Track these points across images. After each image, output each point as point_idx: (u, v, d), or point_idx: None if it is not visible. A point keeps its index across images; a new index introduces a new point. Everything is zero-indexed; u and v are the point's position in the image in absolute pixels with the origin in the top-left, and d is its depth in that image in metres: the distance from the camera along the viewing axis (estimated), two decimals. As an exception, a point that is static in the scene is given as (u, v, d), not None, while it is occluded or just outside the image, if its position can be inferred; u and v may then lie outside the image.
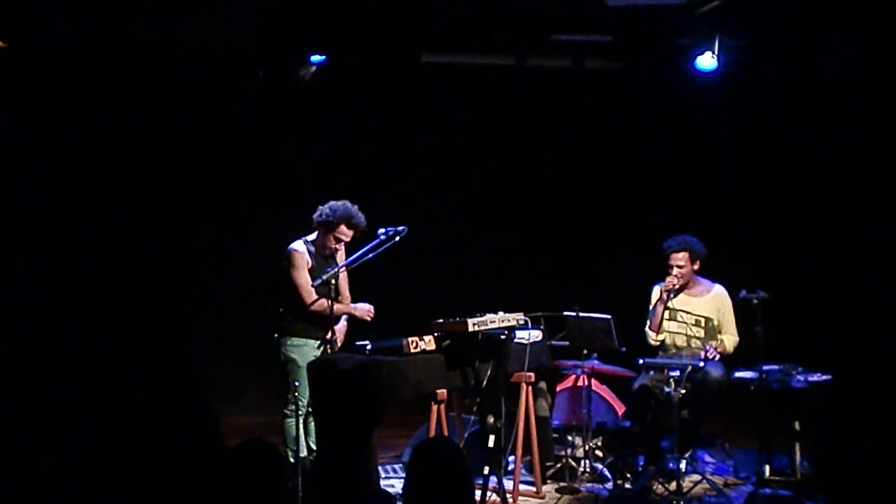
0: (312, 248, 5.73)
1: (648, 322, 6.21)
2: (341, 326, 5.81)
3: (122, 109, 6.63)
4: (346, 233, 5.65)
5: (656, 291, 6.25)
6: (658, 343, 6.18)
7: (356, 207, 5.67)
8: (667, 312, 6.13)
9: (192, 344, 7.71)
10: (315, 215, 5.69)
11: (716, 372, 5.82)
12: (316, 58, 6.86)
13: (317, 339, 5.65)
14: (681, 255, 5.99)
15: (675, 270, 6.00)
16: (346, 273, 5.81)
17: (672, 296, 6.04)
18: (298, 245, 5.72)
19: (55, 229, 6.18)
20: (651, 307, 6.24)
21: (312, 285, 5.53)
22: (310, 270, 5.67)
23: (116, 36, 6.26)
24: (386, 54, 7.30)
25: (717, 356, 5.95)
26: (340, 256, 5.75)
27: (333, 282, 5.53)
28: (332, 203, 5.67)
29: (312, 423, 5.63)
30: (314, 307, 5.58)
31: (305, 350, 5.63)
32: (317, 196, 5.84)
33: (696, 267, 6.07)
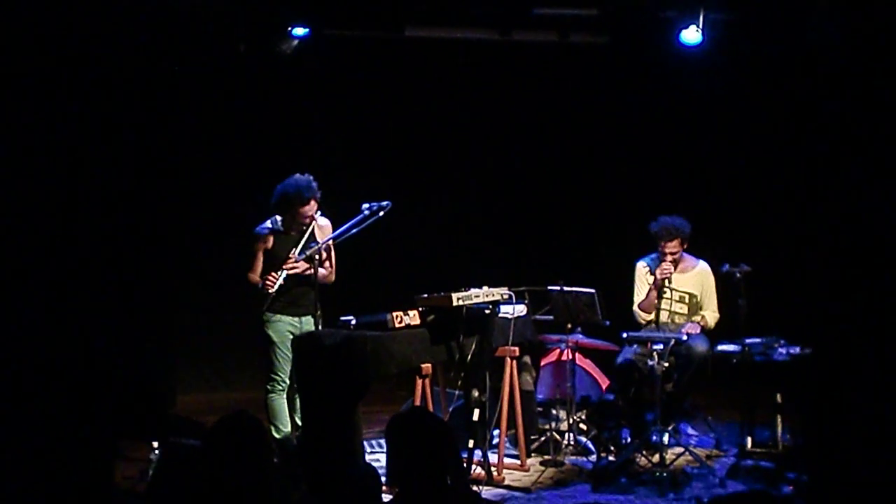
0: (280, 228, 5.72)
1: (637, 302, 6.23)
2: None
3: (97, 85, 6.54)
4: (305, 212, 5.62)
5: (640, 268, 6.27)
6: (647, 321, 6.21)
7: (306, 178, 5.62)
8: (652, 288, 6.17)
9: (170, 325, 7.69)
10: (273, 198, 5.67)
11: (701, 346, 5.86)
12: (298, 31, 6.79)
13: (293, 316, 5.66)
14: (674, 243, 6.01)
15: (669, 258, 6.02)
16: (333, 248, 5.79)
17: (669, 282, 6.06)
18: (261, 227, 5.75)
19: (28, 210, 6.10)
20: (638, 283, 6.26)
21: (297, 259, 5.54)
22: (273, 250, 5.68)
23: (92, 6, 6.15)
24: (369, 28, 7.24)
25: (698, 330, 6.02)
26: (327, 231, 5.73)
27: (317, 257, 5.52)
28: (281, 186, 5.63)
29: (297, 399, 5.64)
30: (249, 280, 5.71)
31: (280, 326, 5.65)
32: (300, 171, 5.80)
33: (684, 247, 6.10)
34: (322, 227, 5.75)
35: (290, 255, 5.60)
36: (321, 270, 5.67)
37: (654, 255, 6.21)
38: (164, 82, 7.11)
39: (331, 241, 5.68)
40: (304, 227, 5.69)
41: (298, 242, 5.66)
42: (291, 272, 5.61)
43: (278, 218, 5.73)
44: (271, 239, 5.71)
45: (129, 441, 5.44)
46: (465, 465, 4.90)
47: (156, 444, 4.83)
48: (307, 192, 5.58)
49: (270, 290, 5.59)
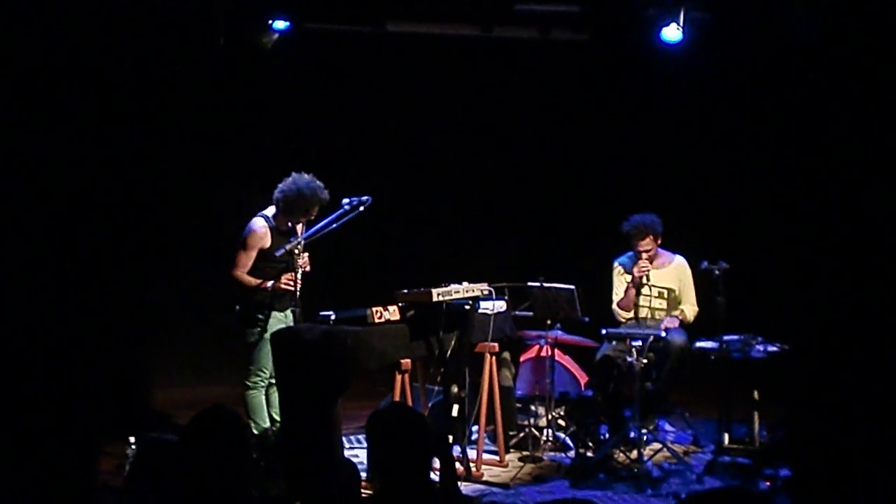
0: (273, 224, 5.64)
1: (616, 301, 6.25)
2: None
3: (76, 75, 6.47)
4: (312, 213, 5.56)
5: (616, 267, 6.30)
6: (627, 319, 6.24)
7: (317, 182, 5.54)
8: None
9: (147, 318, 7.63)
10: (277, 194, 5.54)
11: (677, 339, 5.89)
12: (279, 25, 6.75)
13: (281, 311, 5.61)
14: (646, 240, 6.04)
15: (645, 255, 6.05)
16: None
17: (647, 279, 6.09)
18: (258, 225, 5.60)
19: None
20: (616, 283, 6.28)
21: (276, 255, 5.48)
22: (270, 248, 5.59)
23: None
24: (350, 22, 7.21)
25: (676, 324, 6.04)
26: (301, 226, 5.70)
27: (297, 251, 5.49)
28: (295, 183, 5.48)
29: (275, 394, 5.61)
30: (236, 278, 5.56)
31: (272, 322, 5.59)
32: (279, 166, 5.77)
33: (658, 243, 6.13)
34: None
35: (297, 252, 5.45)
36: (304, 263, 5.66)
37: (629, 254, 6.24)
38: (142, 75, 7.04)
39: (309, 238, 5.65)
40: (295, 224, 5.63)
41: (288, 239, 5.57)
42: (304, 268, 5.51)
43: (269, 213, 5.67)
44: (267, 235, 5.62)
45: (105, 436, 5.40)
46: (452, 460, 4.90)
47: (132, 439, 4.79)
48: (322, 192, 5.50)
49: (297, 291, 5.43)
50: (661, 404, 5.98)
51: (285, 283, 5.47)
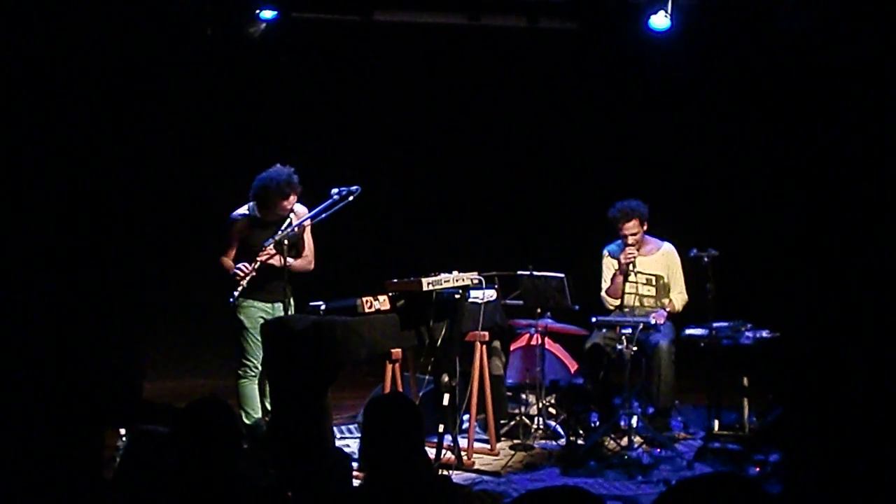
0: (256, 214, 5.66)
1: (605, 288, 6.26)
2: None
3: (61, 67, 6.43)
4: (284, 206, 5.59)
5: (605, 255, 6.30)
6: (615, 307, 6.25)
7: (288, 171, 5.57)
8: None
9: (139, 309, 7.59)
10: (252, 188, 5.62)
11: (662, 341, 5.88)
12: (266, 14, 6.71)
13: (265, 302, 5.62)
14: (631, 223, 6.04)
15: (631, 240, 6.05)
16: (309, 232, 5.76)
17: (633, 266, 6.09)
18: (236, 214, 5.70)
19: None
20: (605, 271, 6.29)
21: (264, 246, 5.49)
22: (250, 238, 5.62)
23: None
24: (338, 11, 7.18)
25: (664, 318, 6.03)
26: (301, 213, 5.71)
27: (286, 242, 5.49)
28: (267, 175, 5.57)
29: (267, 384, 5.61)
30: (219, 263, 5.67)
31: (252, 311, 5.61)
32: (267, 156, 5.76)
33: (644, 228, 6.14)
34: (298, 215, 5.71)
35: (265, 246, 5.52)
36: (298, 261, 5.66)
37: (618, 242, 6.24)
38: (129, 65, 6.99)
39: (305, 229, 5.66)
40: (282, 217, 5.64)
41: (274, 232, 5.60)
42: (265, 260, 5.55)
43: (255, 204, 5.68)
44: (247, 226, 5.65)
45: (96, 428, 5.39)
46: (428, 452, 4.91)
47: (123, 431, 4.79)
48: (287, 187, 5.54)
49: (242, 282, 5.53)
50: (665, 413, 5.98)
51: (238, 271, 5.52)
